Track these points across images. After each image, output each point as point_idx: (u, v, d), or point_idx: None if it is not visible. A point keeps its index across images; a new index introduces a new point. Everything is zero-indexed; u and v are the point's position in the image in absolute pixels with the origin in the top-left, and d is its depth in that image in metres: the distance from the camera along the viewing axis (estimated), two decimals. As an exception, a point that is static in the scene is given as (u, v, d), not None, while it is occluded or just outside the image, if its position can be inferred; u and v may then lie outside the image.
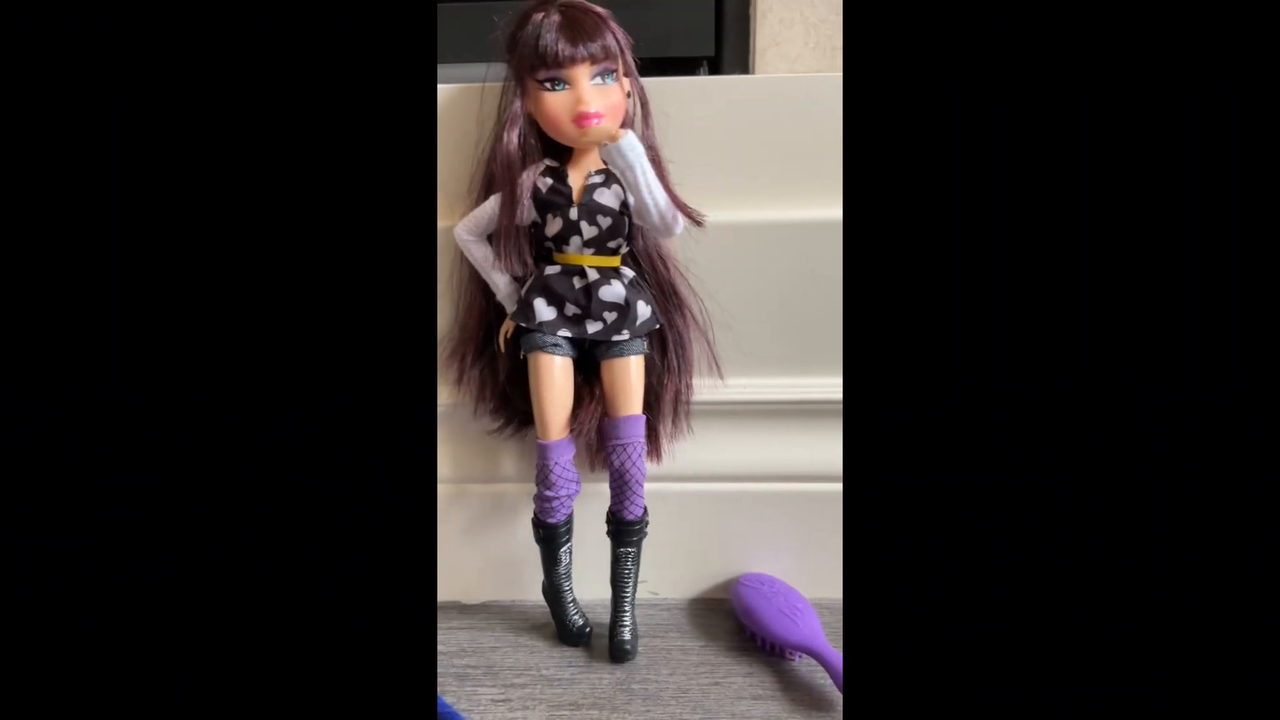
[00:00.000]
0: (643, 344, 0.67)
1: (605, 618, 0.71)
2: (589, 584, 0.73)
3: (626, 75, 0.63)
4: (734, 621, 0.74)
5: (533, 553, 0.71)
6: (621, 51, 0.62)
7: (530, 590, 0.75)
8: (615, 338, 0.65)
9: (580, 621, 0.71)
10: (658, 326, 0.67)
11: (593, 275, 0.64)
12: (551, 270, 0.65)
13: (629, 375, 0.66)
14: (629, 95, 0.64)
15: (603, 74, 0.61)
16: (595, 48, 0.60)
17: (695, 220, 0.63)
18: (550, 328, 0.65)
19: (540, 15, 0.60)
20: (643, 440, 0.67)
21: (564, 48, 0.59)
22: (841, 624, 0.71)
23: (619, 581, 0.69)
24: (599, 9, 0.62)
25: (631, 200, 0.62)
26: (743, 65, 0.84)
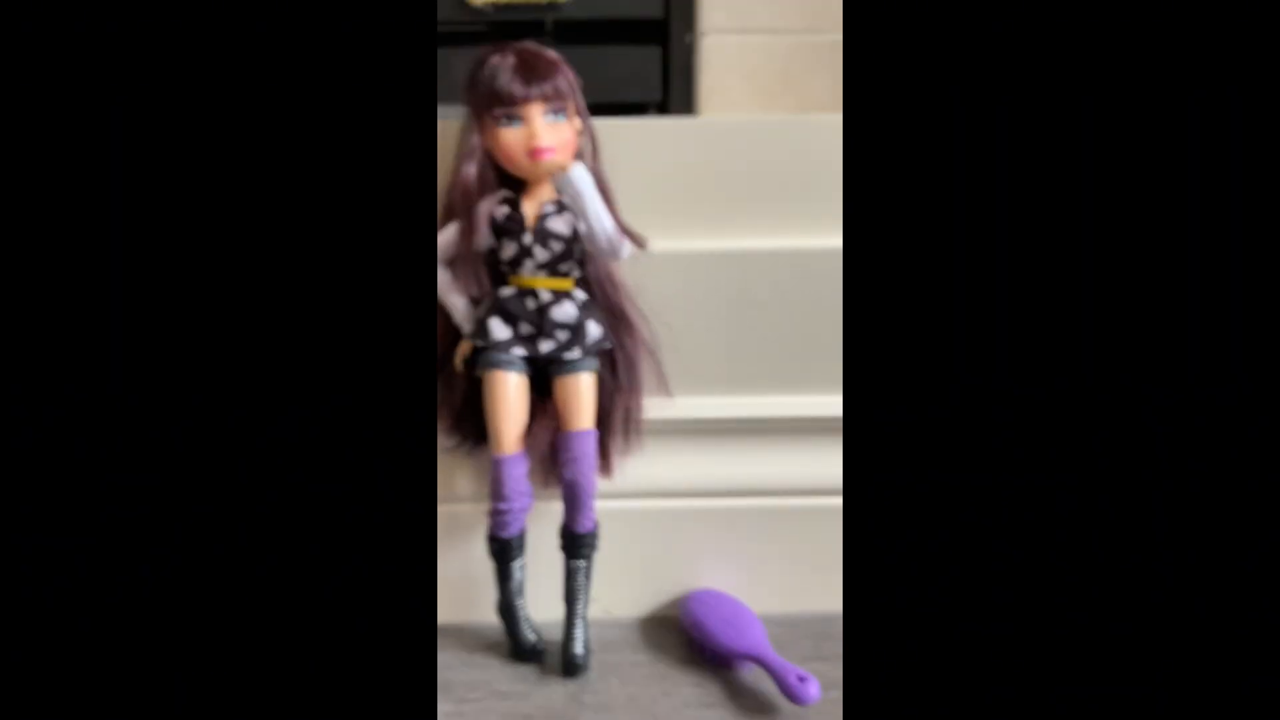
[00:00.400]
0: (594, 362, 0.71)
1: (558, 637, 0.72)
2: (543, 604, 0.74)
3: (577, 113, 0.68)
4: (684, 636, 0.76)
5: (487, 574, 0.72)
6: (572, 92, 0.68)
7: (485, 612, 0.76)
8: (567, 356, 0.69)
9: (533, 638, 0.73)
10: (608, 346, 0.71)
11: (546, 297, 0.69)
12: (507, 292, 0.69)
13: (580, 391, 0.70)
14: (580, 132, 0.69)
15: (555, 112, 0.66)
16: (548, 88, 0.66)
17: (639, 243, 0.69)
18: (505, 346, 0.69)
19: (497, 58, 0.66)
20: (594, 454, 0.70)
21: (519, 87, 0.65)
22: (787, 635, 0.74)
23: (571, 595, 0.72)
24: (551, 53, 0.67)
25: (581, 227, 0.67)
26: (687, 109, 0.94)
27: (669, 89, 0.92)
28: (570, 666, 0.70)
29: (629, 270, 0.72)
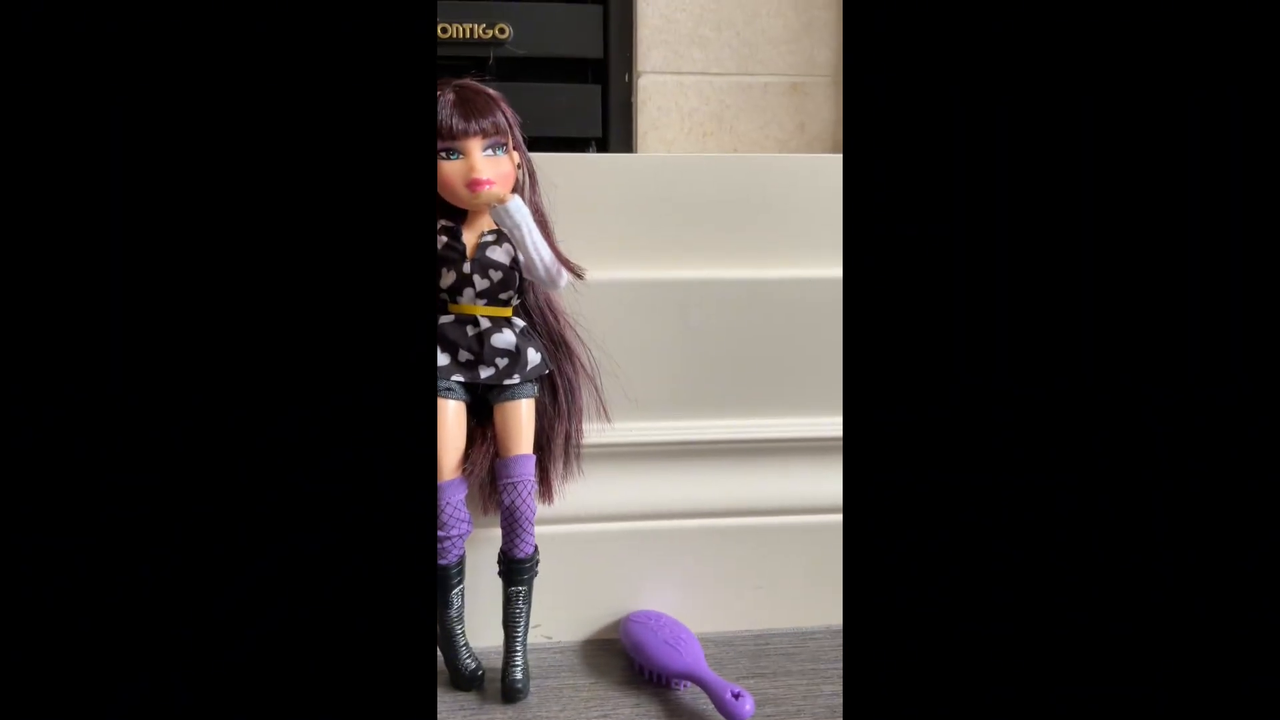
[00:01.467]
0: (533, 388, 0.72)
1: (498, 664, 0.72)
2: (482, 631, 0.75)
3: (515, 149, 0.70)
4: (624, 658, 0.77)
5: None
6: (511, 128, 0.69)
7: None
8: (507, 382, 0.70)
9: (472, 665, 0.73)
10: (548, 372, 0.73)
11: (485, 324, 0.70)
12: (446, 319, 0.70)
13: (520, 417, 0.71)
14: (518, 166, 0.71)
15: (493, 146, 0.68)
16: (486, 123, 0.67)
17: (576, 274, 0.71)
18: (444, 373, 0.70)
19: (437, 93, 0.67)
20: (532, 478, 0.71)
21: (458, 122, 0.67)
22: (725, 654, 0.77)
23: (511, 621, 0.72)
24: (490, 90, 0.69)
25: (520, 257, 0.69)
26: (626, 145, 0.99)
27: (608, 126, 0.97)
28: (510, 693, 0.71)
29: (567, 297, 0.75)
